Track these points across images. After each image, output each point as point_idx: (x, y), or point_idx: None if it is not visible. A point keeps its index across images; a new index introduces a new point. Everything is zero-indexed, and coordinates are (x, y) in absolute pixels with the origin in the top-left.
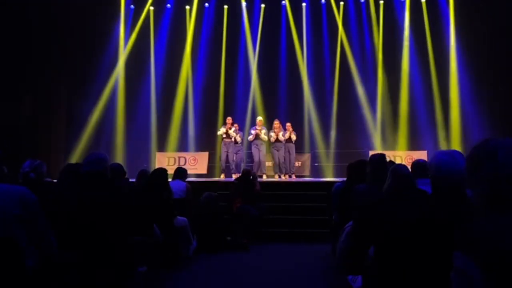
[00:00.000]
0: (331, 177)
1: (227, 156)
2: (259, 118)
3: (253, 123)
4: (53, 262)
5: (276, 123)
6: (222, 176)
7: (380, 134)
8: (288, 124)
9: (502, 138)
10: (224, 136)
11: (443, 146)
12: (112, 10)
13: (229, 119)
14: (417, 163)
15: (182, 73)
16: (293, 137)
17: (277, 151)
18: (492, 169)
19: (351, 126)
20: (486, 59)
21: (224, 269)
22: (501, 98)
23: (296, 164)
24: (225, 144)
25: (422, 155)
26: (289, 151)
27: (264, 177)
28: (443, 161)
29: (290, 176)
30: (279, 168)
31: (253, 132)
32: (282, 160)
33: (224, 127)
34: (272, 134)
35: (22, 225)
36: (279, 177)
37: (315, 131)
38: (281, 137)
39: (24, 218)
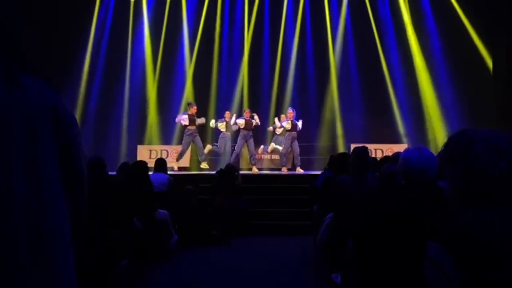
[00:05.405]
0: (313, 170)
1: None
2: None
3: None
4: None
5: (290, 112)
6: (205, 164)
7: (362, 127)
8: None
9: (478, 130)
10: (224, 129)
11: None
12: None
13: (227, 113)
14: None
15: (165, 64)
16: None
17: (292, 141)
18: (468, 162)
19: (333, 120)
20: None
21: (206, 262)
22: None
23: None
24: (223, 137)
25: (403, 148)
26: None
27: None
28: (411, 156)
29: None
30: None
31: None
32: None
33: (222, 121)
34: (285, 123)
35: None
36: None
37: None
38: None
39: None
